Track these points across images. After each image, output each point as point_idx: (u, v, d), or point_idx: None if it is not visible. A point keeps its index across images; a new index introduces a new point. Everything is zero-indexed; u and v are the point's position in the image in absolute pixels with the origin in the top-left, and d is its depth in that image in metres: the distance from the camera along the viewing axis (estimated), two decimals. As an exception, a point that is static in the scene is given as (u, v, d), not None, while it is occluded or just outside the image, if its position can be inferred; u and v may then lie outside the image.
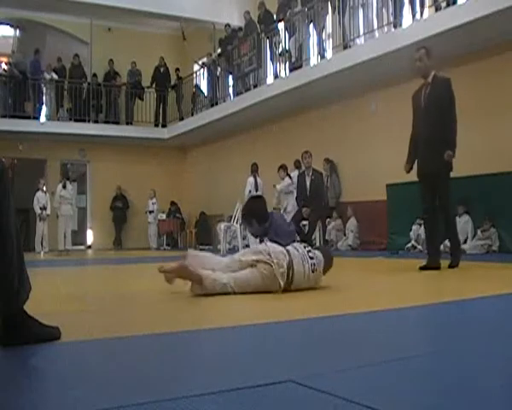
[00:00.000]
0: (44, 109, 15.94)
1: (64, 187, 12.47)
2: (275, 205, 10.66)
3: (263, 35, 12.75)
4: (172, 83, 17.16)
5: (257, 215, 4.93)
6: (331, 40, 11.11)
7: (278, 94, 11.62)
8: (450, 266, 5.39)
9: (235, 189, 12.96)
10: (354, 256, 9.13)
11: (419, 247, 9.36)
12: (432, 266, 5.27)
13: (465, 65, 8.90)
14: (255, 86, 12.84)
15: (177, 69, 17.30)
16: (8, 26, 17.36)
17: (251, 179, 11.61)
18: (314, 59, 11.13)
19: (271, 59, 12.60)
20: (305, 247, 3.76)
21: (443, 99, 5.36)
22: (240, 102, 13.12)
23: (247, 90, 13.06)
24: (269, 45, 12.59)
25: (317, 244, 9.30)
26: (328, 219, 11.31)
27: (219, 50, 14.99)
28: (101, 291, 4.36)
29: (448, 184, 5.49)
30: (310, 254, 3.69)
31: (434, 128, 5.36)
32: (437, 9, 8.49)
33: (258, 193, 11.59)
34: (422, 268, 5.27)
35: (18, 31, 17.47)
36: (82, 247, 16.72)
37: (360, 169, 11.01)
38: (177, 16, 15.39)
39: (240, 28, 13.83)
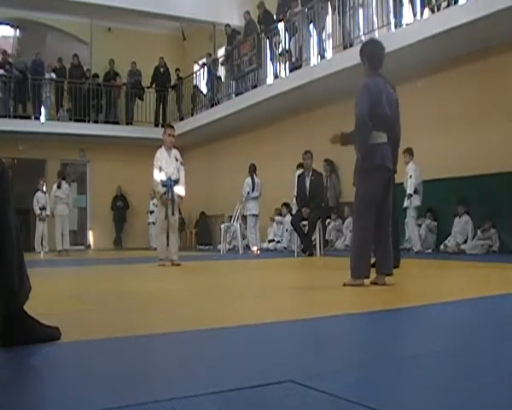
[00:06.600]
0: (44, 109, 15.90)
1: (59, 187, 12.43)
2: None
3: (263, 35, 12.74)
4: (172, 83, 17.14)
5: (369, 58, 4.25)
6: (331, 40, 11.09)
7: (278, 94, 11.60)
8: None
9: (235, 189, 12.95)
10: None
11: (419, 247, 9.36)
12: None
13: (468, 64, 8.89)
14: (255, 86, 12.83)
15: (177, 69, 17.29)
16: (8, 26, 17.34)
17: (248, 180, 11.60)
18: (314, 59, 11.11)
19: (271, 59, 12.59)
20: None
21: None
22: (240, 102, 13.11)
23: (247, 90, 13.05)
24: (269, 45, 12.57)
25: (317, 245, 9.32)
26: (328, 220, 11.31)
27: (223, 51, 14.94)
28: (101, 291, 4.36)
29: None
30: None
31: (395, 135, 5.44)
32: (438, 9, 8.48)
33: (256, 194, 11.60)
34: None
35: (18, 31, 17.45)
36: (82, 247, 16.72)
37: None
38: (177, 16, 15.35)
39: (238, 32, 13.83)
